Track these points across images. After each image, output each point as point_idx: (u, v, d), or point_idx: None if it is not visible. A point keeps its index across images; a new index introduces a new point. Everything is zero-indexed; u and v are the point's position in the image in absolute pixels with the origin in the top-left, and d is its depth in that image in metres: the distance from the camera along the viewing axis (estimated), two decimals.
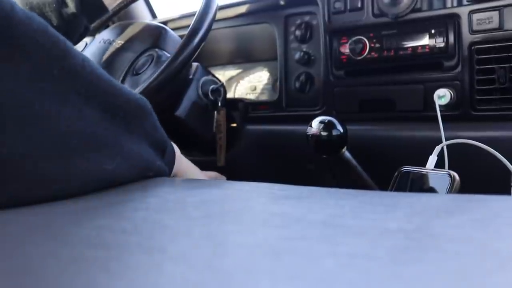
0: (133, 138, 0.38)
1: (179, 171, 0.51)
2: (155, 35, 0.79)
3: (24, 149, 0.30)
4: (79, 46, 0.83)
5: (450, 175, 0.48)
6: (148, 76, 0.70)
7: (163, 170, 0.42)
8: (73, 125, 0.33)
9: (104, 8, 0.70)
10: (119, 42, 0.78)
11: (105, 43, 0.80)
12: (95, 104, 0.35)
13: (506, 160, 0.49)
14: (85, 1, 0.67)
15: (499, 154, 0.49)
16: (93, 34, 0.87)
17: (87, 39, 0.83)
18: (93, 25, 0.75)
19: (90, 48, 0.82)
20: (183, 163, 0.53)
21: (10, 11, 0.30)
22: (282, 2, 0.87)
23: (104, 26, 0.94)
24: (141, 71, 0.74)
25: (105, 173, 0.35)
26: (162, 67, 0.65)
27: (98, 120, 0.35)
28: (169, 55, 0.76)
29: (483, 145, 0.50)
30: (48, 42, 0.32)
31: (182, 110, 0.80)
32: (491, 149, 0.49)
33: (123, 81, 0.74)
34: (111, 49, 0.78)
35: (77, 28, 0.70)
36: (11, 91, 0.29)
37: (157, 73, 0.65)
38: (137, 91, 0.64)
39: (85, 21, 0.70)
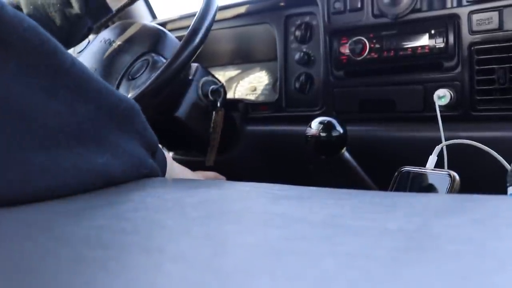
0: (123, 137, 0.38)
1: (172, 174, 0.51)
2: (153, 39, 0.79)
3: (14, 139, 0.31)
4: (81, 44, 0.83)
5: (450, 175, 0.48)
6: (143, 81, 0.70)
7: (156, 169, 0.42)
8: (60, 120, 0.34)
9: (108, 9, 0.70)
10: (118, 44, 0.78)
11: (105, 43, 0.80)
12: (84, 101, 0.35)
13: (503, 160, 0.49)
14: (90, 1, 0.67)
15: (497, 154, 0.49)
16: (95, 33, 0.87)
17: (90, 37, 0.82)
18: (95, 25, 0.75)
19: (91, 46, 0.82)
20: (175, 169, 0.53)
21: (0, 10, 0.31)
22: (282, 3, 0.87)
23: (104, 25, 0.93)
24: (136, 76, 0.74)
25: (95, 168, 0.35)
26: (163, 67, 0.65)
27: (87, 116, 0.35)
28: (165, 60, 0.75)
29: (481, 145, 0.50)
30: (37, 40, 0.33)
31: (182, 111, 0.79)
32: (489, 149, 0.49)
33: (118, 85, 0.74)
34: (110, 50, 0.78)
35: (80, 29, 0.70)
36: (0, 84, 0.31)
37: (157, 73, 0.64)
38: (139, 90, 0.64)
39: (89, 22, 0.70)
